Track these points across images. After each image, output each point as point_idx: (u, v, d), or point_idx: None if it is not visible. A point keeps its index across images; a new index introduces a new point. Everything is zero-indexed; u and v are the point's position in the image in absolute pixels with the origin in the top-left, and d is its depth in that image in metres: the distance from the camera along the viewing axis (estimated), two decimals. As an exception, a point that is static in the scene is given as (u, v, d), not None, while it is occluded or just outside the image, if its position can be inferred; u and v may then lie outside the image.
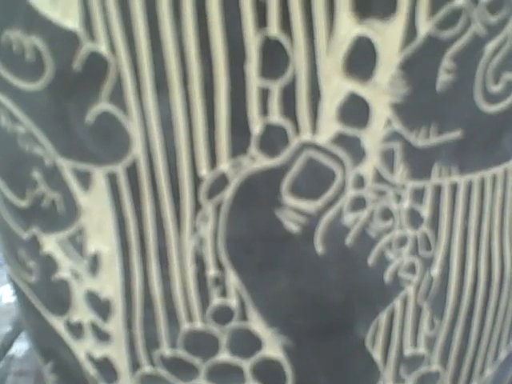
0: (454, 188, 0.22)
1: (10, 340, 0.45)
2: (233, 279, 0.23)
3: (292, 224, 0.22)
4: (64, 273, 0.25)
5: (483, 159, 0.23)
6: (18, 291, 0.29)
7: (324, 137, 0.20)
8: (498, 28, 0.20)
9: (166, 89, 0.20)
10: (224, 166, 0.21)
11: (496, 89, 0.21)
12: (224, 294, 0.23)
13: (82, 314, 0.26)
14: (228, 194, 0.21)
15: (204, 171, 0.21)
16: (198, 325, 0.24)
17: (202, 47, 0.19)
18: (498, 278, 0.25)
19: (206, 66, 0.20)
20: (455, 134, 0.21)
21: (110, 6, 0.19)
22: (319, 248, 0.22)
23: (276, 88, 0.20)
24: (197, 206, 0.22)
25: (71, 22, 0.20)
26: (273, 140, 0.20)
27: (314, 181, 0.21)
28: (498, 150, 0.23)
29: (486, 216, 0.24)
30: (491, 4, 0.20)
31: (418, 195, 0.22)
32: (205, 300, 0.23)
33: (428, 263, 0.23)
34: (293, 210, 0.21)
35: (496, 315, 0.26)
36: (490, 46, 0.21)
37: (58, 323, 0.27)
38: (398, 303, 0.24)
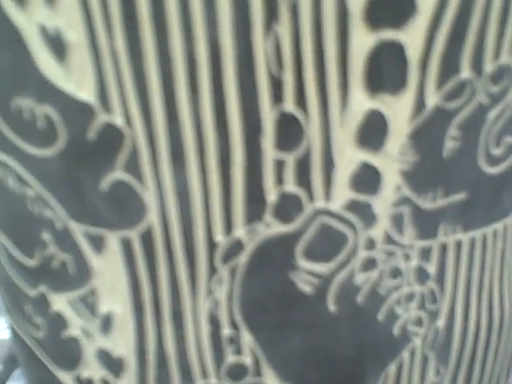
0: (459, 245, 0.23)
1: (2, 380, 0.44)
2: (247, 338, 0.23)
3: (305, 285, 0.22)
4: (74, 330, 0.25)
5: (485, 217, 0.24)
6: (20, 342, 0.29)
7: (337, 203, 0.21)
8: (500, 96, 0.21)
9: (182, 160, 0.20)
10: (239, 232, 0.21)
11: (497, 152, 0.22)
12: (238, 352, 0.23)
13: (93, 370, 0.26)
14: (243, 258, 0.22)
15: (219, 237, 0.21)
16: (213, 381, 0.24)
17: (219, 121, 0.20)
18: (498, 324, 0.26)
19: (222, 139, 0.20)
20: (460, 196, 0.22)
21: (125, 79, 0.19)
22: (331, 307, 0.23)
23: (291, 159, 0.20)
24: (212, 270, 0.22)
25: (86, 94, 0.20)
26: (287, 208, 0.21)
27: (327, 244, 0.22)
28: (498, 207, 0.24)
29: (487, 268, 0.25)
30: (494, 75, 0.21)
31: (425, 254, 0.23)
32: (219, 358, 0.24)
33: (434, 315, 0.24)
34: (306, 272, 0.22)
35: (495, 359, 0.27)
36: (493, 114, 0.22)
37: (65, 378, 0.27)
38: (405, 354, 0.25)
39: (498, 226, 0.24)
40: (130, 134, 0.20)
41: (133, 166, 0.21)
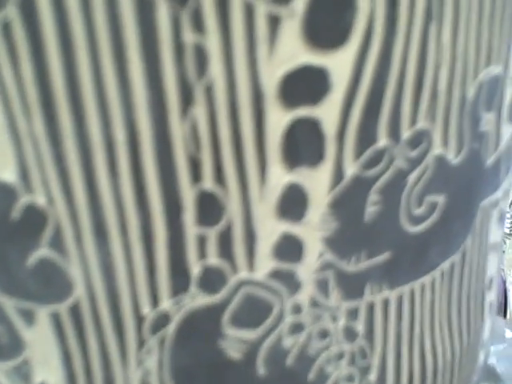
0: (386, 302, 0.24)
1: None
2: None
3: (234, 352, 0.22)
4: (9, 396, 0.25)
5: (412, 273, 0.24)
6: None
7: (261, 273, 0.21)
8: (419, 160, 0.22)
9: (105, 236, 0.20)
10: (166, 304, 0.21)
11: (420, 211, 0.23)
12: None
13: None
14: (171, 329, 0.22)
15: (146, 310, 0.21)
16: None
17: (139, 199, 0.20)
18: (432, 373, 0.27)
19: (143, 216, 0.20)
20: (384, 257, 0.23)
21: (46, 161, 0.19)
22: (261, 371, 0.23)
23: (213, 234, 0.20)
24: (141, 341, 0.22)
25: (8, 174, 0.20)
26: (212, 279, 0.21)
27: (254, 312, 0.22)
28: (425, 263, 0.24)
29: (417, 320, 0.25)
30: (411, 140, 0.21)
31: (353, 313, 0.23)
32: None
33: (365, 370, 0.25)
34: (234, 340, 0.22)
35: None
36: (413, 176, 0.22)
37: None
38: (338, 409, 0.25)
39: (426, 279, 0.24)
40: (52, 212, 0.20)
41: (57, 243, 0.21)
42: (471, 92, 0.22)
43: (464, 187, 0.24)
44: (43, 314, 0.22)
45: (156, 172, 0.19)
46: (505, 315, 0.90)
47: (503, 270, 0.88)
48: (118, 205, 0.20)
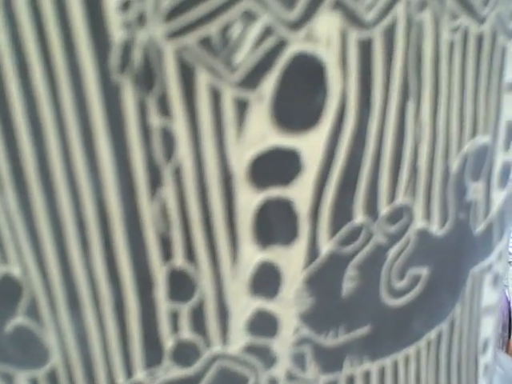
0: (367, 375, 0.23)
1: None
2: None
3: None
4: None
5: (394, 344, 0.23)
6: None
7: (235, 347, 0.21)
8: (399, 235, 0.21)
9: (78, 307, 0.20)
10: (139, 375, 0.21)
11: (401, 284, 0.22)
12: None
13: None
14: (145, 399, 0.22)
15: (120, 380, 0.21)
16: None
17: (111, 273, 0.20)
18: None
19: (115, 290, 0.20)
20: (364, 330, 0.22)
21: (20, 234, 0.19)
22: None
23: (185, 309, 0.20)
24: (116, 410, 0.22)
25: None
26: (185, 353, 0.21)
27: (228, 385, 0.22)
28: (409, 334, 0.23)
29: (401, 389, 0.25)
30: (390, 216, 0.21)
31: None
32: None
33: None
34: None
35: None
36: (393, 251, 0.21)
37: None
38: None
39: (411, 349, 0.24)
40: (27, 283, 0.20)
41: (33, 312, 0.21)
42: (455, 164, 0.22)
43: (450, 257, 0.23)
44: (22, 378, 0.22)
45: (127, 249, 0.19)
46: (509, 336, 0.88)
47: (507, 286, 0.86)
48: (90, 278, 0.20)
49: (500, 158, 0.24)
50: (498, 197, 0.25)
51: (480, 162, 0.23)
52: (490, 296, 0.27)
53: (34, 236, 0.19)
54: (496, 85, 0.22)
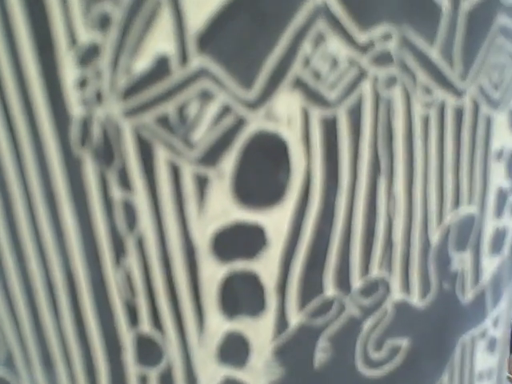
0: None
1: None
2: None
3: None
4: None
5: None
6: None
7: None
8: (375, 307, 0.21)
9: (51, 365, 0.21)
10: None
11: (378, 355, 0.22)
12: None
13: None
14: None
15: None
16: None
17: (80, 336, 0.20)
18: None
19: (85, 352, 0.20)
20: (338, 400, 0.22)
21: None
22: None
23: (153, 374, 0.20)
24: None
25: None
26: None
27: None
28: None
29: None
30: (364, 289, 0.20)
31: None
32: None
33: None
34: None
35: None
36: (369, 323, 0.21)
37: None
38: None
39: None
40: (3, 339, 0.21)
41: (10, 366, 0.21)
42: (436, 236, 0.21)
43: (434, 327, 0.23)
44: None
45: (94, 312, 0.19)
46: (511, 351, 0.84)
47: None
48: (61, 338, 0.20)
49: (491, 226, 0.23)
50: (491, 263, 0.24)
51: (465, 232, 0.22)
52: (484, 362, 0.26)
53: (8, 299, 0.20)
54: (481, 155, 0.21)
